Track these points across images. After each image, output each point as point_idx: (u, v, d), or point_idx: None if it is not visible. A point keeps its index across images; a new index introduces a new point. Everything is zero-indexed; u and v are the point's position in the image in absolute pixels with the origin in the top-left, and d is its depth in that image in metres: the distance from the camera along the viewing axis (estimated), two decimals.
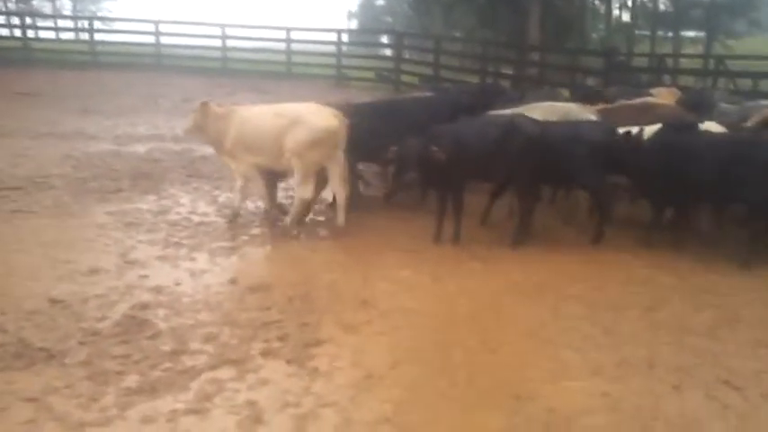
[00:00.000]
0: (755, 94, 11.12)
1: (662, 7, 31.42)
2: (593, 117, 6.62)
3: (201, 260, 5.38)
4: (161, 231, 6.08)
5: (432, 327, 4.31)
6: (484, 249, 5.80)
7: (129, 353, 3.77)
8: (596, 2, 31.63)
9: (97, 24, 24.53)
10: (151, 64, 20.16)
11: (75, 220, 6.34)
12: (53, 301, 4.42)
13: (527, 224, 5.99)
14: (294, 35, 20.92)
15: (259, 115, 6.08)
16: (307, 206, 6.21)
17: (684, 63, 18.64)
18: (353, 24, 44.87)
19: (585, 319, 4.44)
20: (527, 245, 5.91)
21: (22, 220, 6.26)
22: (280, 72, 20.25)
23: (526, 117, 6.01)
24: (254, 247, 5.80)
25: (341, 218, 6.09)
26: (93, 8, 47.81)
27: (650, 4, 31.27)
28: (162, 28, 20.80)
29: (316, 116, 5.82)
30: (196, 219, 6.50)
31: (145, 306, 4.41)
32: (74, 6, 45.60)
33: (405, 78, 18.25)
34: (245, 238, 6.02)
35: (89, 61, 19.66)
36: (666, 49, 28.63)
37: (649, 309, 4.65)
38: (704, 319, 4.47)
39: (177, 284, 4.82)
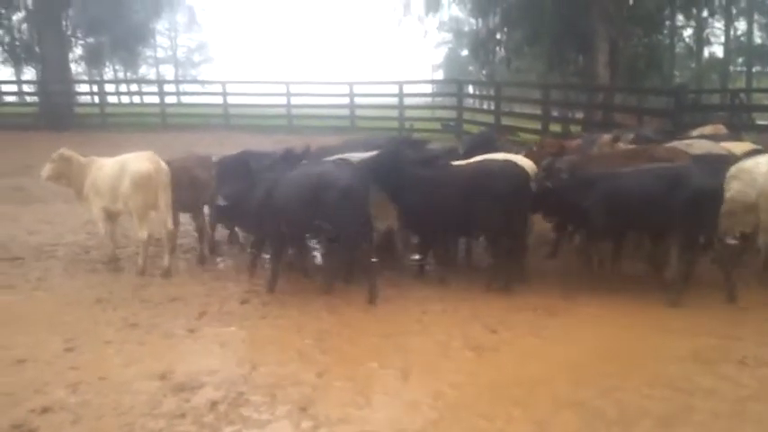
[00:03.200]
0: None
1: (758, 40, 28.99)
2: None
3: (148, 345, 4.72)
4: (130, 308, 5.51)
5: None
6: (487, 332, 4.82)
7: None
8: (686, 39, 29.80)
9: (166, 87, 25.43)
10: (219, 124, 20.42)
11: (49, 296, 5.90)
12: None
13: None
14: (358, 89, 20.68)
15: (108, 164, 6.53)
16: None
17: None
18: (439, 76, 44.62)
19: None
20: (556, 318, 4.97)
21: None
22: (344, 127, 19.96)
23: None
24: (217, 328, 5.06)
25: (165, 260, 6.41)
26: (193, 72, 50.59)
27: (744, 39, 29.01)
28: (229, 88, 21.15)
29: (135, 162, 6.30)
30: (172, 292, 5.89)
31: (46, 409, 3.76)
32: (176, 71, 48.43)
33: (467, 127, 17.49)
34: (216, 315, 5.34)
35: (159, 123, 20.19)
36: (765, 85, 26.27)
37: (666, 423, 3.49)
38: None
39: (101, 378, 4.15)
